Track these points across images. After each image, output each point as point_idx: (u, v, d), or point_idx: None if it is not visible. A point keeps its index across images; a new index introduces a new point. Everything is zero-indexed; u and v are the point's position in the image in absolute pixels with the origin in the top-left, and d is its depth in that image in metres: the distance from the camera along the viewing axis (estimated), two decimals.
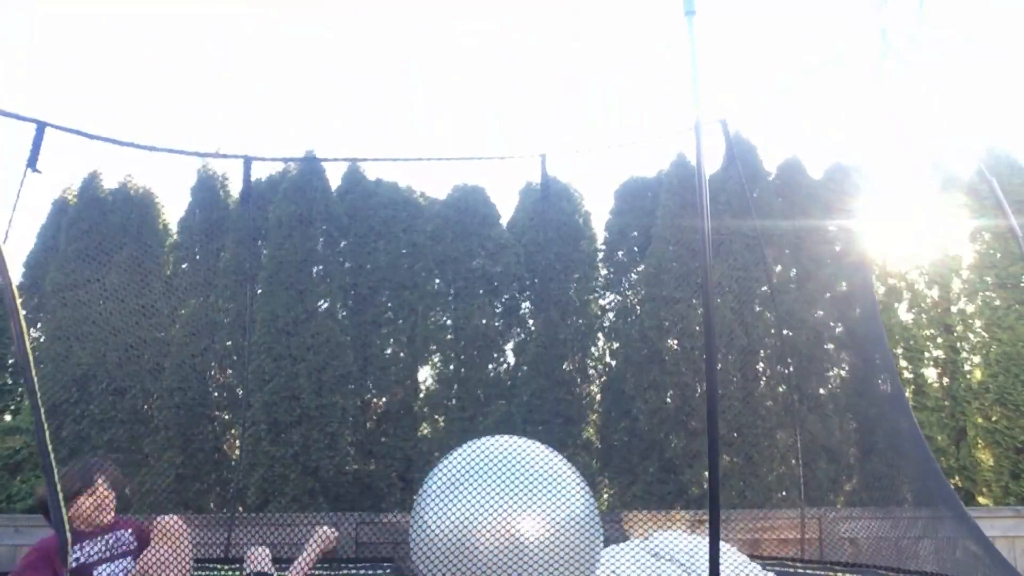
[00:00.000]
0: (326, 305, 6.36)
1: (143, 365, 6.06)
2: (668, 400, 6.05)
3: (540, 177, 6.33)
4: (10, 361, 6.50)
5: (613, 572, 3.00)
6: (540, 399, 6.08)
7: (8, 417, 6.47)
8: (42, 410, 1.76)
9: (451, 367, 6.46)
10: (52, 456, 1.82)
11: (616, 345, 6.51)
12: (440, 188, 7.01)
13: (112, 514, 2.90)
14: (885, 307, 6.28)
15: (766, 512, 5.43)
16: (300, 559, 3.24)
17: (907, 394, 6.05)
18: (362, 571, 4.35)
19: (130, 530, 2.96)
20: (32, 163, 4.25)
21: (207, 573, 4.33)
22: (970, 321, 6.24)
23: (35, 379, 1.80)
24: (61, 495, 2.03)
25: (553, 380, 6.12)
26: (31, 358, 1.81)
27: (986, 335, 6.12)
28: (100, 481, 2.88)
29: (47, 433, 1.79)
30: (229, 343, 6.35)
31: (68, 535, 1.99)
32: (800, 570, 4.43)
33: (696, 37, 2.22)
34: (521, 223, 6.67)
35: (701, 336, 5.92)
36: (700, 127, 2.19)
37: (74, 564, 2.55)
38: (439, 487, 3.04)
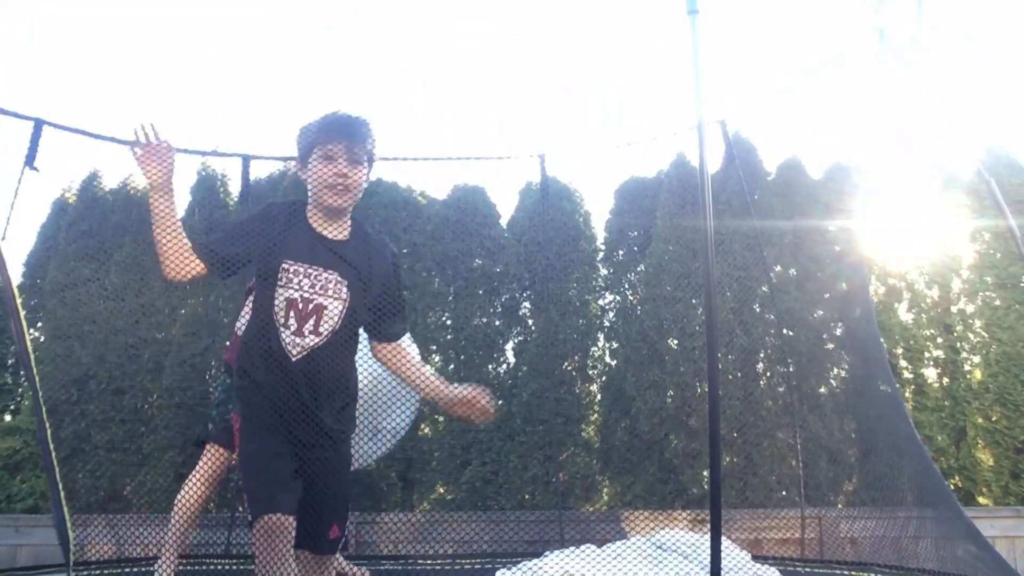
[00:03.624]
0: None
1: (143, 365, 6.05)
2: (668, 400, 6.04)
3: (540, 177, 6.33)
4: (10, 361, 6.49)
5: (617, 558, 3.01)
6: (540, 399, 6.07)
7: (8, 417, 6.45)
8: (44, 409, 1.76)
9: (451, 367, 6.46)
10: (54, 454, 1.82)
11: (616, 345, 6.50)
12: (440, 188, 7.00)
13: None
14: (885, 307, 6.28)
15: (766, 512, 5.43)
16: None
17: (907, 394, 6.06)
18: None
19: None
20: (30, 161, 4.22)
21: (205, 568, 4.34)
22: (970, 321, 6.23)
23: (37, 379, 1.80)
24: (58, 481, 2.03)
25: (553, 380, 6.11)
26: (32, 358, 1.80)
27: (986, 335, 6.12)
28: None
29: (49, 432, 1.78)
30: (228, 343, 6.33)
31: (69, 535, 1.98)
32: (800, 570, 4.43)
33: (698, 37, 2.21)
34: (521, 223, 6.66)
35: (701, 336, 5.92)
36: (703, 127, 2.19)
37: None
38: None
